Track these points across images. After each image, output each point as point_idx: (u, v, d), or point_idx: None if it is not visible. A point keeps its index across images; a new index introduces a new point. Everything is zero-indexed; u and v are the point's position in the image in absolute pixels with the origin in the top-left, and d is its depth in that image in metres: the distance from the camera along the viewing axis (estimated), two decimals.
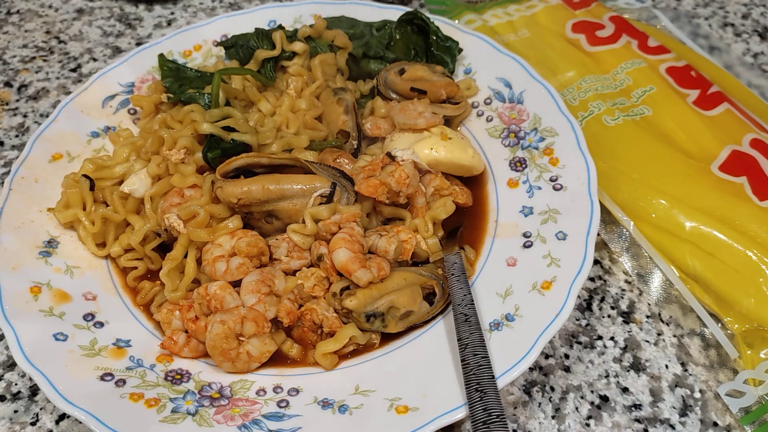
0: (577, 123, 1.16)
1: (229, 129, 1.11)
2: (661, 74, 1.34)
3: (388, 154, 1.10)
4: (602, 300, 1.12)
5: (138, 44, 1.66)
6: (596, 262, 1.17)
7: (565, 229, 1.04)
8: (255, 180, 1.02)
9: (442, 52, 1.34)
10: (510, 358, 0.88)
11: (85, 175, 1.11)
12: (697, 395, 0.99)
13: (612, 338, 1.07)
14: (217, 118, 1.13)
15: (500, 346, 0.91)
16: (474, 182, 1.21)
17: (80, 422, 0.84)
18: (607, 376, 1.02)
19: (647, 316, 1.09)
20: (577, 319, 1.09)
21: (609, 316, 1.10)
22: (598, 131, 1.24)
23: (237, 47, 1.33)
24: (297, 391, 0.93)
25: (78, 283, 1.05)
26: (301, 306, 1.00)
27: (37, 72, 1.59)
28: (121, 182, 1.12)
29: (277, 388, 0.93)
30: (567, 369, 1.03)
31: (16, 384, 1.02)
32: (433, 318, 1.00)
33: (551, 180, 1.12)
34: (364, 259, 0.98)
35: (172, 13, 1.76)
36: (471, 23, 1.54)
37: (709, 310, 1.05)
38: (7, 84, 1.55)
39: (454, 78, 1.34)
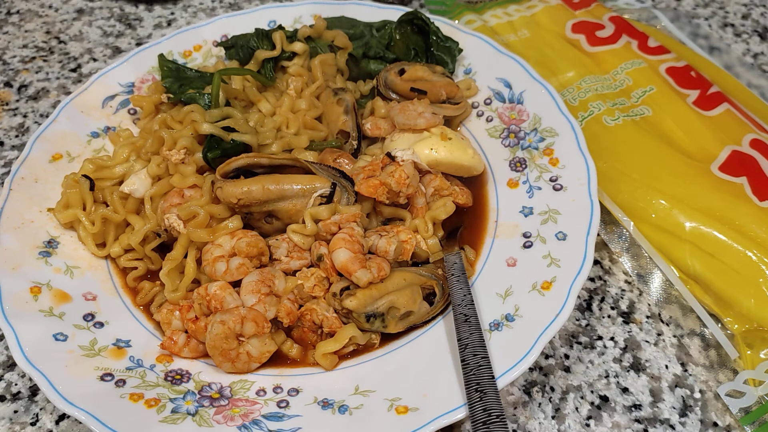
0: (577, 123, 1.16)
1: (229, 129, 1.11)
2: (661, 74, 1.34)
3: (388, 155, 1.10)
4: (602, 300, 1.12)
5: (138, 44, 1.66)
6: (596, 262, 1.17)
7: (565, 229, 1.04)
8: (255, 180, 1.02)
9: (442, 53, 1.34)
10: (510, 359, 0.88)
11: (85, 176, 1.11)
12: (697, 395, 0.99)
13: (612, 338, 1.07)
14: (217, 119, 1.13)
15: (500, 346, 0.91)
16: (474, 182, 1.21)
17: (80, 422, 0.84)
18: (607, 377, 1.02)
19: (647, 317, 1.09)
20: (577, 320, 1.09)
21: (609, 316, 1.10)
22: (598, 131, 1.24)
23: (237, 47, 1.33)
24: (297, 391, 0.93)
25: (78, 284, 1.05)
26: (301, 306, 1.00)
27: (37, 72, 1.59)
28: (121, 182, 1.12)
29: (277, 389, 0.93)
30: (567, 369, 1.03)
31: (16, 384, 1.02)
32: (433, 318, 1.00)
33: (551, 180, 1.12)
34: (364, 259, 0.98)
35: (172, 14, 1.76)
36: (471, 23, 1.54)
37: (709, 311, 1.05)
38: (7, 84, 1.55)
39: (454, 78, 1.34)
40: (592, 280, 1.15)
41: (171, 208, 1.06)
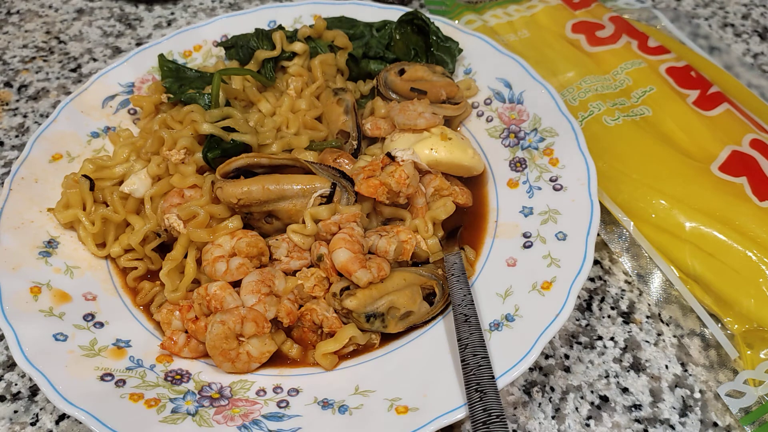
0: (577, 123, 1.16)
1: (229, 129, 1.11)
2: (661, 74, 1.34)
3: (388, 155, 1.10)
4: (602, 300, 1.12)
5: (138, 44, 1.66)
6: (596, 262, 1.17)
7: (565, 229, 1.04)
8: (255, 180, 1.02)
9: (442, 53, 1.34)
10: (510, 359, 0.88)
11: (85, 176, 1.11)
12: (697, 395, 0.99)
13: (612, 338, 1.07)
14: (217, 119, 1.13)
15: (500, 346, 0.91)
16: (474, 182, 1.21)
17: (80, 422, 0.84)
18: (607, 377, 1.02)
19: (647, 317, 1.09)
20: (577, 320, 1.09)
21: (609, 316, 1.10)
22: (598, 131, 1.24)
23: (237, 47, 1.33)
24: (297, 391, 0.93)
25: (78, 284, 1.05)
26: (301, 306, 1.00)
27: (37, 72, 1.59)
28: (121, 182, 1.12)
29: (277, 389, 0.93)
30: (567, 369, 1.03)
31: (16, 384, 1.02)
32: (433, 318, 1.00)
33: (551, 180, 1.12)
34: (364, 259, 0.98)
35: (172, 14, 1.76)
36: (471, 23, 1.54)
37: (709, 311, 1.05)
38: (7, 84, 1.55)
39: (454, 78, 1.34)
40: (592, 280, 1.15)
41: (171, 208, 1.06)
